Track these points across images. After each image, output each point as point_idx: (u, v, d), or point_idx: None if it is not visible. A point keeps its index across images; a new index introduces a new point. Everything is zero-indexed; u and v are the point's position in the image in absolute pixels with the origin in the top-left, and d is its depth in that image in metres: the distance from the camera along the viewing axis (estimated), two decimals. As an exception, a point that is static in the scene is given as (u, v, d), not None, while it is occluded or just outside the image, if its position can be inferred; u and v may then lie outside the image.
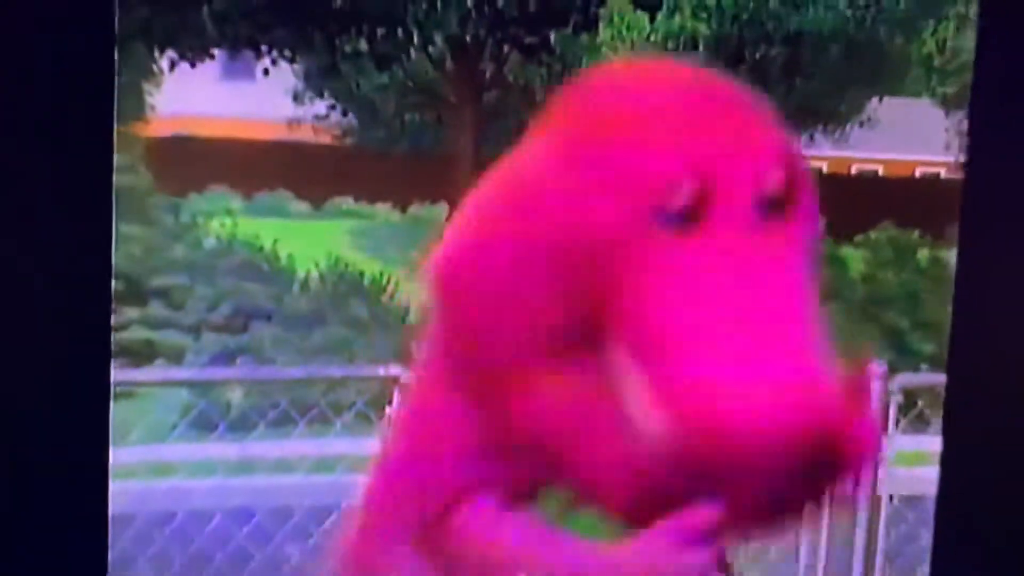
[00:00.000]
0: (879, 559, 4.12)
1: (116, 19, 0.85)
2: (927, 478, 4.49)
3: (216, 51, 21.17)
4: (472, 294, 1.65)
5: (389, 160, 24.33)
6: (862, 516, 4.06)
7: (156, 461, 6.79)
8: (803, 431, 1.49)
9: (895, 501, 4.18)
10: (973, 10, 23.97)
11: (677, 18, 20.86)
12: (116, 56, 0.87)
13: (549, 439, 1.64)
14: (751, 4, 20.59)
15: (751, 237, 1.56)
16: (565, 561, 1.63)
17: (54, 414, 0.90)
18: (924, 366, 9.99)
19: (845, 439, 1.55)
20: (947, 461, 0.92)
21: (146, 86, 24.71)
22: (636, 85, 1.70)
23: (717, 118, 1.62)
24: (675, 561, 1.60)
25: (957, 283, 0.89)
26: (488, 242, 1.65)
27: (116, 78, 0.86)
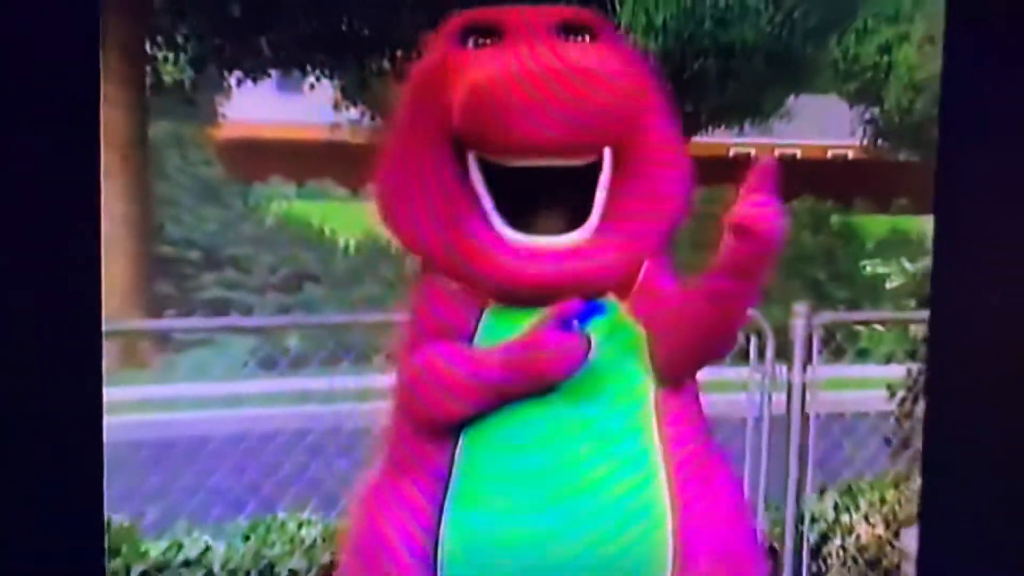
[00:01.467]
0: (810, 466, 4.08)
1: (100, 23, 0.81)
2: (846, 399, 4.47)
3: (272, 70, 21.09)
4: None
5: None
6: (795, 431, 4.03)
7: (230, 394, 6.78)
8: None
9: (821, 418, 4.13)
10: (871, 23, 23.84)
11: (630, 37, 20.76)
12: (100, 59, 0.83)
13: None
14: (691, 24, 20.49)
15: (547, 43, 1.76)
16: (484, 359, 1.83)
17: (48, 359, 0.86)
18: (840, 307, 9.97)
19: None
20: (931, 388, 0.89)
21: (218, 99, 24.66)
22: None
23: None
24: (553, 337, 1.75)
25: (935, 249, 0.85)
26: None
27: (100, 79, 0.83)
